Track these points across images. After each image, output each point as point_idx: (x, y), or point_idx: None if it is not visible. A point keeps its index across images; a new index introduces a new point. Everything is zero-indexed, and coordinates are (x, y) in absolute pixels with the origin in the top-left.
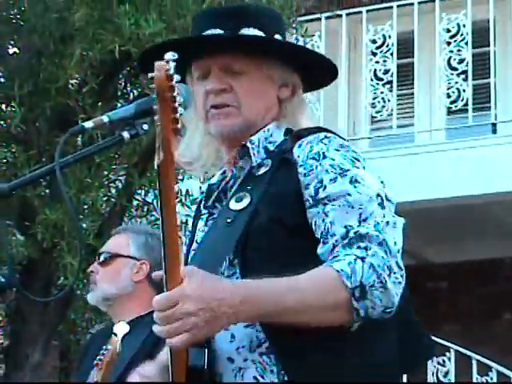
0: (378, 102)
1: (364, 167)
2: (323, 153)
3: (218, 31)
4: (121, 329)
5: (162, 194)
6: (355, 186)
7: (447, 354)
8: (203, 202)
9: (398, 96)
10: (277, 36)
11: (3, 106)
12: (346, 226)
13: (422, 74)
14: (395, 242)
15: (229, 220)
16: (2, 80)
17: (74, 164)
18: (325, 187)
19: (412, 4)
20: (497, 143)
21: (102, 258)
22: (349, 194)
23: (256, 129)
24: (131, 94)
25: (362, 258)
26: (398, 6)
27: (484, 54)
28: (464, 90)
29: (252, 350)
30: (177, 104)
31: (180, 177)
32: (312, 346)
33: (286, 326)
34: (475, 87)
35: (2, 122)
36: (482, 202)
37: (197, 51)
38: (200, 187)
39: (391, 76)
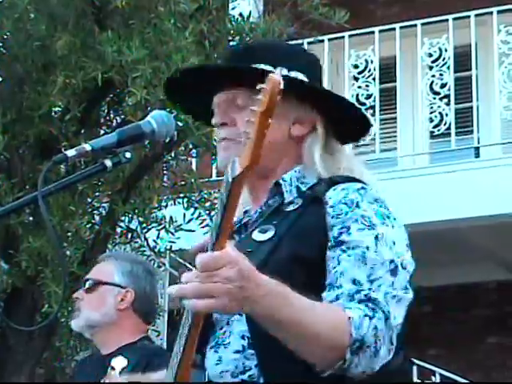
0: None
1: (393, 226)
2: (357, 202)
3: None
4: (119, 363)
5: (228, 204)
6: (376, 244)
7: (433, 378)
8: None
9: (380, 120)
10: (286, 71)
11: None
12: (354, 282)
13: (405, 98)
14: (395, 317)
15: (249, 250)
16: None
17: (56, 192)
18: (349, 233)
19: (394, 29)
20: (480, 167)
21: (86, 285)
22: (367, 248)
23: (264, 165)
24: (114, 121)
25: (370, 318)
26: (380, 31)
27: (466, 78)
28: (446, 114)
29: (234, 376)
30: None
31: (164, 203)
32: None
33: (280, 355)
34: (458, 111)
35: None
36: (466, 225)
37: (206, 86)
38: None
39: (374, 101)
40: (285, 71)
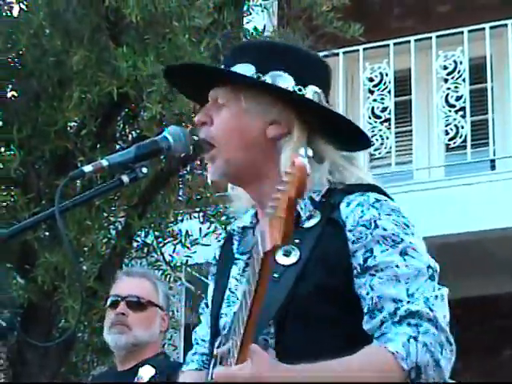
0: (377, 139)
1: (413, 233)
2: (375, 221)
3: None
4: (146, 372)
5: (260, 279)
6: (405, 259)
7: None
8: (236, 245)
9: (396, 133)
10: (274, 72)
11: (2, 150)
12: (395, 301)
13: (420, 111)
14: (444, 316)
15: (276, 275)
16: (1, 123)
17: (73, 208)
18: (374, 257)
19: (408, 42)
20: (496, 179)
21: (130, 301)
22: (397, 266)
23: (245, 166)
24: (130, 135)
25: (415, 338)
26: (395, 44)
27: (481, 91)
28: (462, 127)
29: None
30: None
31: (180, 217)
32: None
33: None
34: (473, 124)
35: (1, 166)
36: (481, 238)
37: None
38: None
39: (389, 113)
40: (270, 77)
